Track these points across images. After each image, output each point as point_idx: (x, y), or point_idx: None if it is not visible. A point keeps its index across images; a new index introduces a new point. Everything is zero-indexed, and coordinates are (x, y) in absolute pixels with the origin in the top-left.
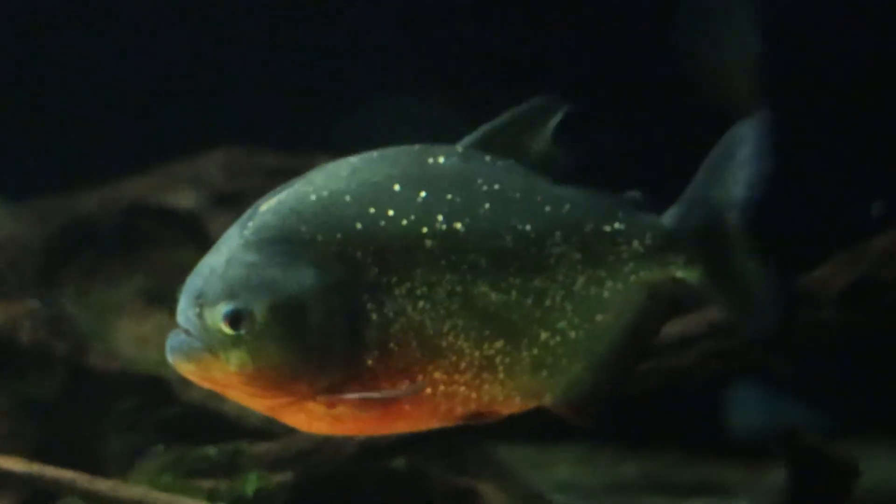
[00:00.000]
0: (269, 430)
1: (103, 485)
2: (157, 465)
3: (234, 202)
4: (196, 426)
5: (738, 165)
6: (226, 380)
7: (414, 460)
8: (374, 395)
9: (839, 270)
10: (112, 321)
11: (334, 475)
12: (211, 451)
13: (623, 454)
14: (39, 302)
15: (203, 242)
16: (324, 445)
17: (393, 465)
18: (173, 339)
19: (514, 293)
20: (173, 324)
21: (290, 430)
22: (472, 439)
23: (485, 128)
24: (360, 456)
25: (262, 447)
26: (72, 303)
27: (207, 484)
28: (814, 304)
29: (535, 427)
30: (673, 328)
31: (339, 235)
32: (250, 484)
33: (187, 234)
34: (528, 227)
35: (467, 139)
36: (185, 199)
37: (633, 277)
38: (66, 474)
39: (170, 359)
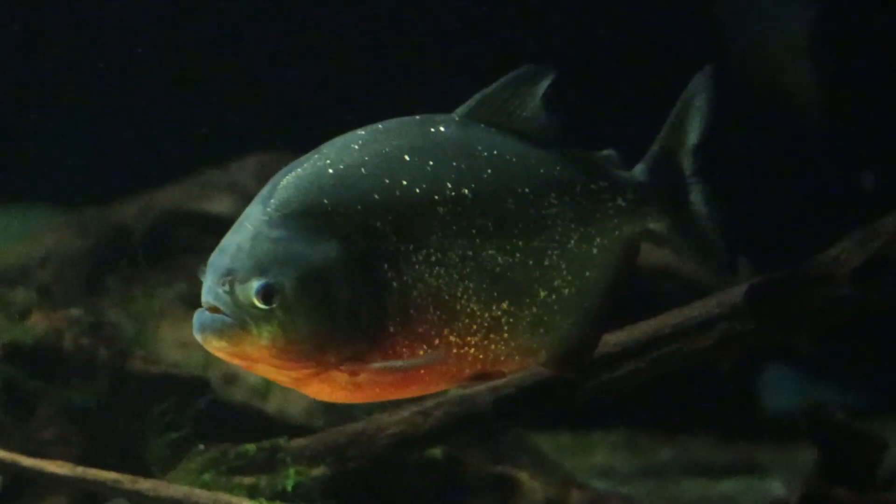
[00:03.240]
0: (307, 425)
1: (146, 484)
2: (198, 464)
3: None
4: (236, 425)
5: (691, 116)
6: (257, 354)
7: (450, 449)
8: (399, 363)
9: (853, 248)
10: (153, 327)
11: (370, 466)
12: (250, 448)
13: (659, 439)
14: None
15: None
16: (358, 438)
17: (429, 454)
18: (202, 317)
19: (517, 254)
20: None
21: (327, 425)
22: (508, 426)
23: (477, 96)
24: (395, 447)
25: (299, 443)
26: (114, 310)
27: (248, 480)
28: (829, 282)
29: (572, 414)
30: (693, 311)
31: (358, 207)
32: (289, 479)
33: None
34: (526, 190)
35: (462, 108)
36: (220, 206)
37: (616, 232)
38: (109, 476)
39: (199, 337)
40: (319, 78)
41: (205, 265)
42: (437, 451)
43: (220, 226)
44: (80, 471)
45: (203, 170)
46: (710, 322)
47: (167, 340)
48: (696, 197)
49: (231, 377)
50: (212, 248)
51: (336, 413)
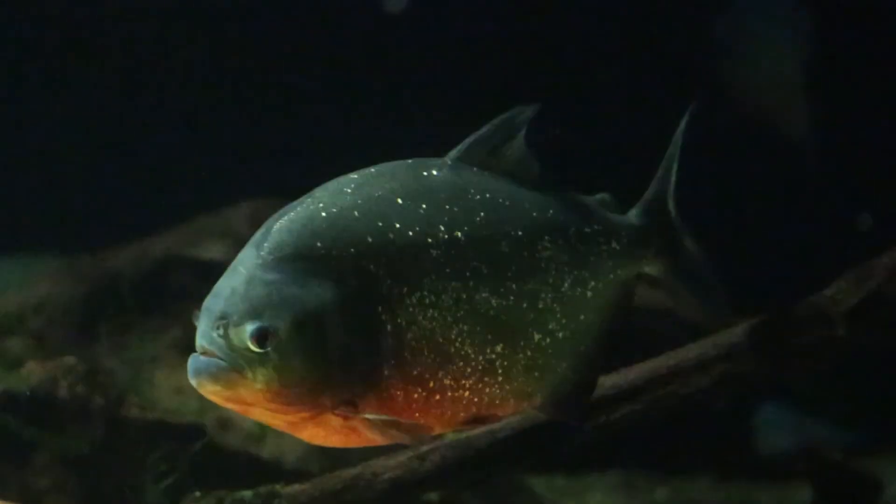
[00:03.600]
0: (304, 470)
1: None
2: None
3: None
4: (232, 470)
5: (674, 161)
6: (251, 398)
7: (447, 493)
8: (385, 418)
9: (848, 288)
10: (149, 373)
11: None
12: (246, 494)
13: (656, 480)
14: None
15: None
16: (355, 483)
17: (427, 499)
18: (196, 362)
19: (511, 297)
20: None
21: (322, 471)
22: (505, 470)
23: (469, 140)
24: (391, 491)
25: (295, 488)
26: (108, 357)
27: None
28: (825, 322)
29: (567, 457)
30: (689, 352)
31: (352, 250)
32: None
33: None
34: (519, 233)
35: (454, 152)
36: (213, 252)
37: (611, 276)
38: None
39: (194, 381)
40: (312, 122)
41: (199, 309)
42: (434, 496)
43: (214, 271)
44: None
45: (196, 216)
46: (708, 363)
47: (162, 387)
48: (686, 243)
49: (226, 423)
50: (206, 295)
51: (331, 458)
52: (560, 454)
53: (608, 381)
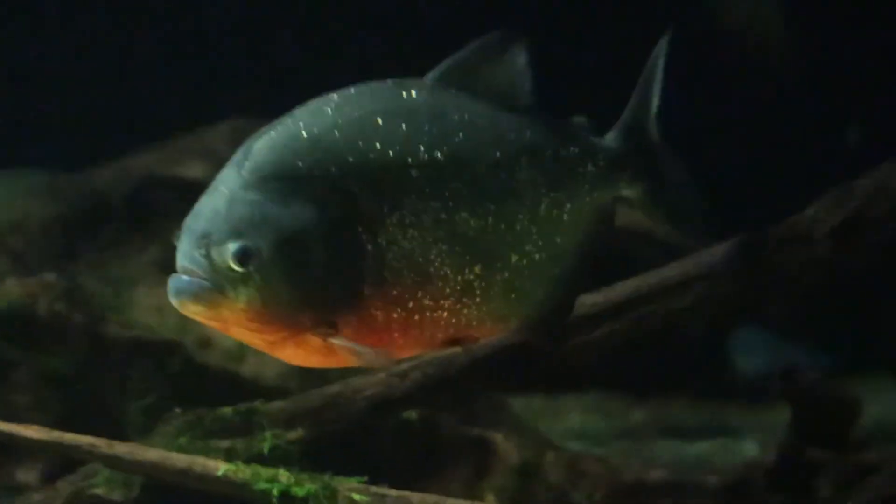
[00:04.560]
0: (283, 388)
1: (122, 448)
2: (174, 428)
3: None
4: (212, 389)
5: (653, 83)
6: (233, 317)
7: (425, 412)
8: (360, 348)
9: (829, 209)
10: (128, 292)
11: (346, 429)
12: (227, 411)
13: (632, 401)
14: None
15: None
16: (334, 401)
17: (405, 417)
18: (177, 282)
19: (489, 218)
20: None
21: (303, 389)
22: (484, 390)
23: (447, 62)
24: (370, 410)
25: (275, 406)
26: (89, 275)
27: (224, 444)
28: (806, 242)
29: (545, 377)
30: (670, 272)
31: (333, 169)
32: (266, 442)
33: None
34: (497, 154)
35: (432, 73)
36: (194, 171)
37: (587, 199)
38: (85, 440)
39: (174, 301)
40: (292, 43)
41: (179, 229)
42: (412, 414)
43: (194, 191)
44: (55, 435)
45: (176, 135)
46: (688, 283)
47: (142, 305)
48: (667, 162)
49: (206, 341)
50: (186, 214)
51: (311, 377)
52: (539, 374)
53: (588, 300)
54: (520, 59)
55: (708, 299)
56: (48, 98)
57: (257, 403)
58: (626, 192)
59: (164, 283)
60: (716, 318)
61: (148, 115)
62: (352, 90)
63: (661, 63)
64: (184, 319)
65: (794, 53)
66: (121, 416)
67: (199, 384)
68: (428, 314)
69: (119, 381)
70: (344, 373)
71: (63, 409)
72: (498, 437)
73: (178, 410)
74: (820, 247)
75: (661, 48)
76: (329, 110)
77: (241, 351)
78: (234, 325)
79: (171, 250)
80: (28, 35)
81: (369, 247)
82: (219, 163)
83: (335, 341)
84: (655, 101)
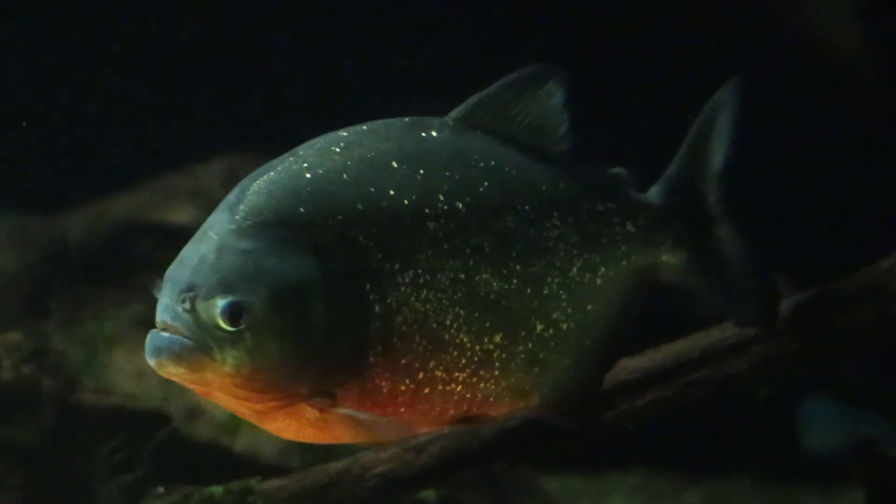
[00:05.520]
0: (282, 465)
1: None
2: None
3: None
4: (200, 465)
5: (715, 136)
6: (218, 381)
7: (446, 490)
8: (366, 416)
9: None
10: (105, 354)
11: None
12: (217, 491)
13: (684, 482)
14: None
15: None
16: (343, 478)
17: (422, 497)
18: (156, 339)
19: (514, 280)
20: None
21: (305, 466)
22: (512, 465)
23: (474, 98)
24: (383, 488)
25: (273, 484)
26: (60, 335)
27: None
28: (880, 297)
29: (583, 453)
30: (724, 332)
31: (339, 217)
32: None
33: None
34: (526, 207)
35: (456, 111)
36: (182, 215)
37: (624, 262)
38: None
39: (152, 361)
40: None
41: (161, 280)
42: (431, 494)
43: (182, 238)
44: None
45: (162, 174)
46: (745, 344)
47: (121, 369)
48: (722, 230)
49: (195, 411)
50: (170, 263)
51: (314, 453)
52: (575, 449)
53: (632, 364)
54: (556, 97)
55: (767, 363)
56: (15, 128)
57: (252, 481)
58: (667, 257)
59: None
60: (779, 386)
61: (130, 150)
62: (364, 127)
63: (727, 114)
64: (169, 386)
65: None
66: (95, 495)
67: (185, 460)
68: (440, 387)
69: (93, 455)
70: (352, 448)
71: (28, 487)
72: None
73: (160, 490)
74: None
75: (728, 95)
76: (337, 150)
77: (235, 423)
78: (218, 390)
79: (154, 305)
80: None
81: (377, 308)
82: (211, 205)
83: (339, 411)
84: (718, 158)
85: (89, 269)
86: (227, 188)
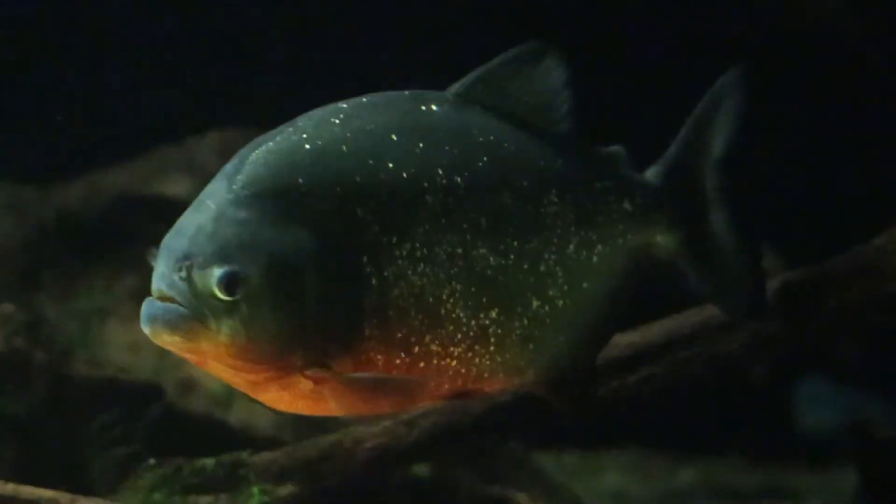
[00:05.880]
0: (276, 439)
1: None
2: (148, 481)
3: None
4: (194, 438)
5: (717, 123)
6: (213, 351)
7: (438, 466)
8: (370, 376)
9: None
10: (99, 326)
11: (345, 485)
12: (208, 463)
13: (678, 459)
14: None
15: None
16: (333, 452)
17: (414, 472)
18: (151, 307)
19: (511, 256)
20: None
21: (299, 440)
22: (505, 440)
23: (473, 74)
24: (374, 462)
25: (265, 457)
26: (53, 307)
27: (205, 500)
28: (872, 276)
29: (576, 430)
30: (717, 311)
31: (337, 189)
32: (253, 498)
33: None
34: (525, 183)
35: (456, 86)
36: (177, 187)
37: (620, 240)
38: (45, 493)
39: (147, 329)
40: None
41: (156, 248)
42: (423, 468)
43: (176, 210)
44: (10, 488)
45: (157, 147)
46: (735, 324)
47: (115, 342)
48: (717, 217)
49: (189, 383)
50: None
51: (308, 426)
52: (568, 425)
53: (623, 340)
54: (555, 74)
55: (759, 342)
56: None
57: (244, 454)
58: (661, 238)
59: (139, 317)
60: (771, 365)
61: (126, 122)
62: (364, 100)
63: (731, 101)
64: (163, 358)
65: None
66: (87, 467)
67: (179, 433)
68: (435, 361)
69: (86, 427)
70: (344, 423)
71: (20, 459)
72: (522, 498)
73: (152, 462)
74: (889, 281)
75: (732, 82)
76: (337, 121)
77: (229, 396)
78: (213, 359)
79: (149, 278)
80: None
81: (374, 280)
82: (206, 179)
83: (343, 376)
84: (719, 144)
85: (83, 242)
86: (222, 161)
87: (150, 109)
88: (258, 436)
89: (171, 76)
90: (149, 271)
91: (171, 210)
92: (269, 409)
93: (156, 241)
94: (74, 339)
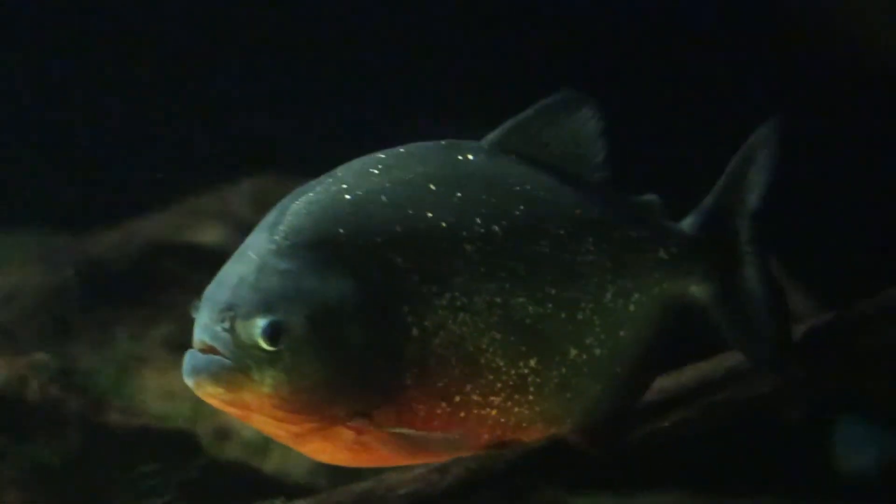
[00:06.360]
0: (311, 486)
1: None
2: None
3: None
4: (229, 486)
5: (753, 174)
6: (256, 402)
7: None
8: (412, 432)
9: None
10: (134, 374)
11: None
12: None
13: (714, 502)
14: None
15: None
16: (367, 499)
17: None
18: (194, 359)
19: (549, 305)
20: None
21: (332, 485)
22: (539, 486)
23: (508, 123)
24: None
25: None
26: (88, 355)
27: None
28: None
29: (611, 474)
30: None
31: (378, 239)
32: None
33: (215, 275)
34: (561, 232)
35: (491, 136)
36: (211, 236)
37: (656, 289)
38: None
39: (190, 381)
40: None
41: (198, 299)
42: None
43: (210, 258)
44: None
45: (191, 196)
46: None
47: (150, 390)
48: (749, 268)
49: (224, 432)
50: (201, 284)
51: (342, 473)
52: (600, 471)
53: (656, 384)
54: (590, 124)
55: (793, 385)
56: (44, 147)
57: (277, 501)
58: (695, 289)
59: (174, 365)
60: (804, 408)
61: (158, 171)
62: (401, 150)
63: (766, 152)
64: (198, 407)
65: None
66: None
67: (214, 481)
68: (475, 411)
69: (121, 476)
70: (379, 468)
71: None
72: None
73: None
74: None
75: (768, 133)
76: (376, 171)
77: (264, 443)
78: (256, 411)
79: (183, 327)
80: (23, 78)
81: (414, 330)
82: (240, 226)
83: (386, 430)
84: (754, 197)
85: (117, 290)
86: (255, 209)
87: (184, 157)
88: (293, 483)
89: (205, 123)
90: (183, 319)
91: (204, 258)
92: (306, 456)
93: (189, 289)
94: (108, 387)
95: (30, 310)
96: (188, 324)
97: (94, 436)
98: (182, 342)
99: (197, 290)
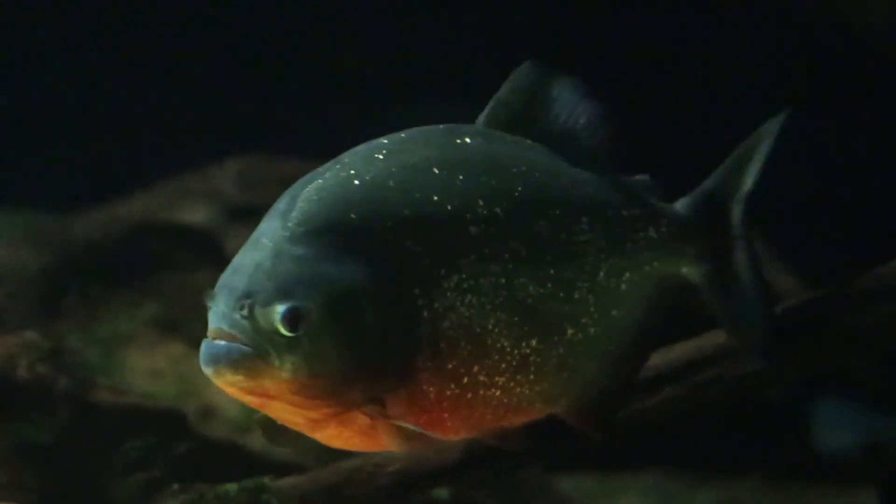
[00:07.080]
0: (297, 463)
1: None
2: None
3: (252, 216)
4: (216, 463)
5: (751, 163)
6: (276, 389)
7: (459, 489)
8: (417, 430)
9: None
10: (121, 353)
11: None
12: (231, 488)
13: (697, 481)
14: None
15: (220, 262)
16: (356, 476)
17: (435, 496)
18: (212, 347)
19: (549, 285)
20: (190, 354)
21: (318, 464)
22: (527, 464)
23: (495, 104)
24: (396, 486)
25: (287, 482)
26: (76, 334)
27: None
28: (894, 298)
29: (596, 453)
30: None
31: (388, 223)
32: None
33: (202, 254)
34: (558, 212)
35: (483, 117)
36: (197, 215)
37: (647, 268)
38: None
39: (209, 370)
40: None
41: (212, 289)
42: (443, 491)
43: (197, 238)
44: None
45: (176, 175)
46: None
47: (137, 369)
48: (739, 251)
49: (209, 410)
50: (187, 264)
51: (328, 451)
52: (588, 448)
53: None
54: (564, 94)
55: (781, 363)
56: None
57: (266, 479)
58: (687, 269)
59: (162, 344)
60: (792, 386)
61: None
62: (402, 135)
63: (766, 143)
64: (184, 385)
65: None
66: (110, 493)
67: (200, 458)
68: (481, 392)
69: (109, 454)
70: None
71: (43, 486)
72: None
73: (175, 487)
74: None
75: (775, 127)
76: (381, 157)
77: (249, 421)
78: (275, 398)
79: (171, 306)
80: (18, 63)
81: (425, 312)
82: (226, 206)
83: (390, 422)
84: (750, 181)
85: (104, 269)
86: (241, 189)
87: (169, 137)
88: (279, 460)
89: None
90: (170, 297)
91: (190, 237)
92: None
93: (176, 269)
94: (96, 366)
95: (17, 290)
96: (175, 303)
97: (83, 414)
98: (168, 321)
99: (182, 270)
